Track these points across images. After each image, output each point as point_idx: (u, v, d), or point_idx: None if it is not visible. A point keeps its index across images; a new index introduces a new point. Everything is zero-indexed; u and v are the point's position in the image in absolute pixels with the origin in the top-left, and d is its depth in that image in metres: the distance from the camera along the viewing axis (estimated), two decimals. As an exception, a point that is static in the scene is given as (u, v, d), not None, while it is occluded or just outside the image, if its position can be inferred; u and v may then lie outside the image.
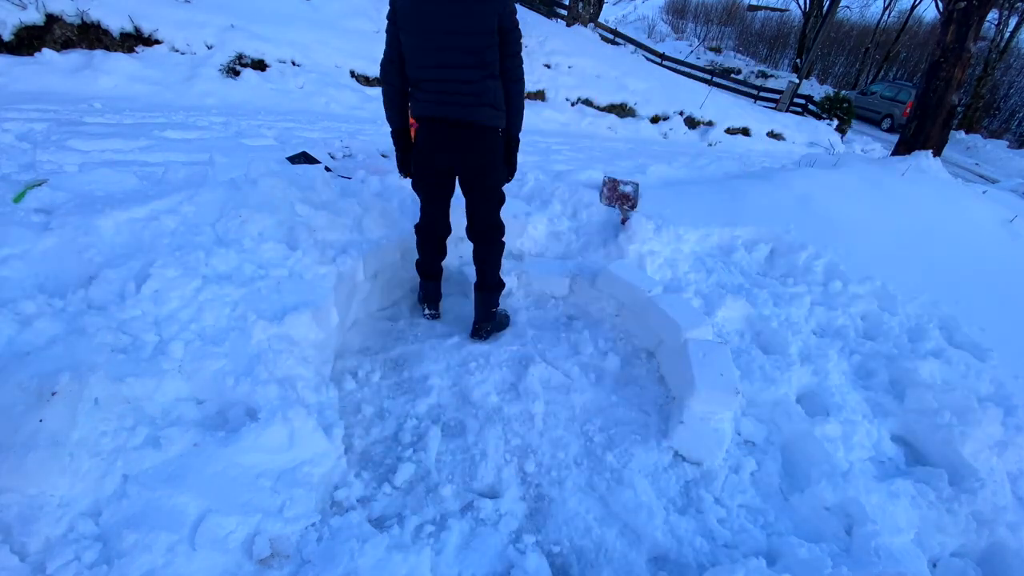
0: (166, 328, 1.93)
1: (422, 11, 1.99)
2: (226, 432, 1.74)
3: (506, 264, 3.11)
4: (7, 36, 5.12)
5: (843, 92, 19.40)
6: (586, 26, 13.97)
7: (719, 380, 2.32)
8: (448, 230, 2.69)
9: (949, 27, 6.82)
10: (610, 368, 2.73)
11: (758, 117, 14.51)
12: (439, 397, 2.39)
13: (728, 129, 13.05)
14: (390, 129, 2.42)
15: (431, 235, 2.65)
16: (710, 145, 11.81)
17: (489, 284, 2.65)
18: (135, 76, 5.57)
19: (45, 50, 5.31)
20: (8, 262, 2.06)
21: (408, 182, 2.62)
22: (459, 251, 3.45)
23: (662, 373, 2.76)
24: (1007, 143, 19.37)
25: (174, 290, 2.05)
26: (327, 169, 3.34)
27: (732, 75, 22.78)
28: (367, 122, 6.79)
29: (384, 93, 2.30)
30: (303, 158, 3.85)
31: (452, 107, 2.14)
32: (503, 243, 2.66)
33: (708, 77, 18.65)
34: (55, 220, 2.30)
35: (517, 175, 4.21)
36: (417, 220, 2.67)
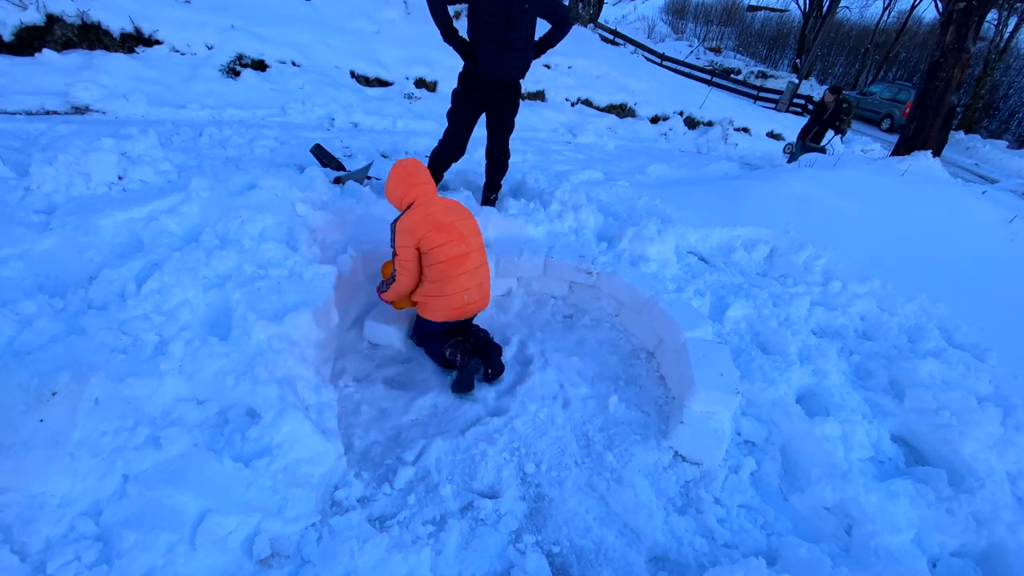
0: (166, 328, 1.93)
1: None
2: (226, 432, 1.75)
3: (506, 264, 3.12)
4: (7, 36, 5.12)
5: (843, 92, 19.41)
6: (586, 27, 13.97)
7: (719, 380, 2.32)
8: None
9: (949, 28, 6.83)
10: (610, 368, 2.73)
11: (758, 117, 14.52)
12: (439, 397, 2.39)
13: (728, 129, 13.06)
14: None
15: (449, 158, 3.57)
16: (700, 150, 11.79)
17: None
18: (135, 77, 5.56)
19: (45, 50, 5.30)
20: (8, 262, 2.06)
21: None
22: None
23: (662, 373, 2.76)
24: (1006, 143, 19.36)
25: (174, 290, 2.05)
26: (337, 181, 3.39)
27: (732, 75, 22.77)
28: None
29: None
30: (318, 151, 3.93)
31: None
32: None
33: (708, 77, 18.65)
34: (55, 220, 2.30)
35: (517, 175, 4.26)
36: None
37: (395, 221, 2.37)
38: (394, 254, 2.39)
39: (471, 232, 2.47)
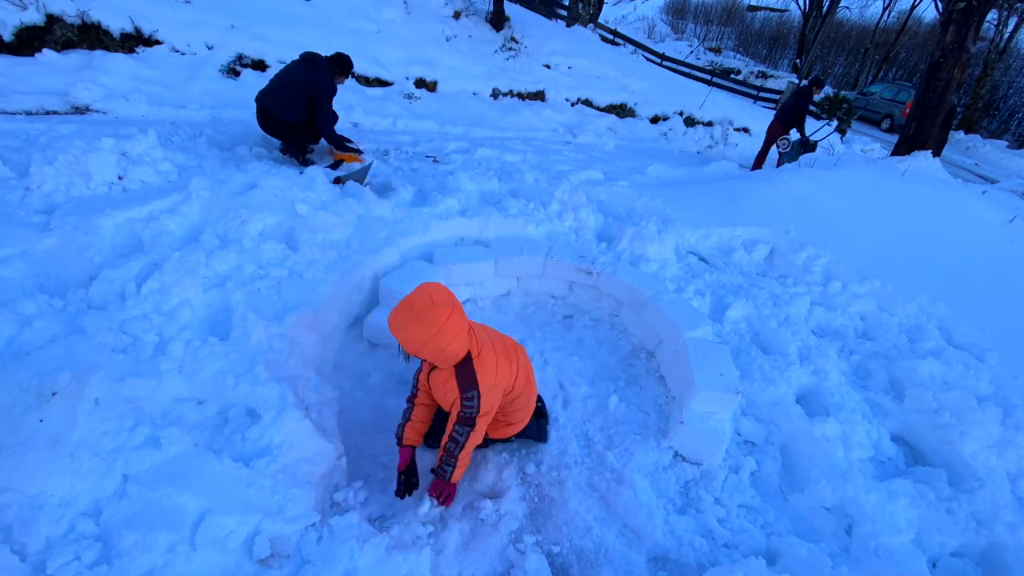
0: (166, 328, 1.93)
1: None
2: (226, 432, 1.74)
3: (506, 264, 3.12)
4: (7, 36, 5.10)
5: (843, 92, 19.39)
6: (586, 27, 13.95)
7: (719, 380, 2.32)
8: None
9: (949, 28, 6.83)
10: (610, 368, 2.73)
11: (758, 117, 14.51)
12: (439, 397, 2.39)
13: (728, 129, 13.04)
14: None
15: None
16: (710, 146, 11.80)
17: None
18: (135, 77, 5.56)
19: (45, 50, 5.30)
20: (8, 262, 2.06)
21: None
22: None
23: (662, 373, 2.76)
24: (1006, 143, 19.33)
25: (174, 290, 2.05)
26: (337, 181, 3.38)
27: (732, 75, 22.77)
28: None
29: None
30: None
31: None
32: None
33: (708, 77, 18.64)
34: (55, 220, 2.30)
35: (517, 175, 4.24)
36: None
37: (469, 377, 1.73)
38: (476, 413, 1.76)
39: (513, 344, 1.99)
